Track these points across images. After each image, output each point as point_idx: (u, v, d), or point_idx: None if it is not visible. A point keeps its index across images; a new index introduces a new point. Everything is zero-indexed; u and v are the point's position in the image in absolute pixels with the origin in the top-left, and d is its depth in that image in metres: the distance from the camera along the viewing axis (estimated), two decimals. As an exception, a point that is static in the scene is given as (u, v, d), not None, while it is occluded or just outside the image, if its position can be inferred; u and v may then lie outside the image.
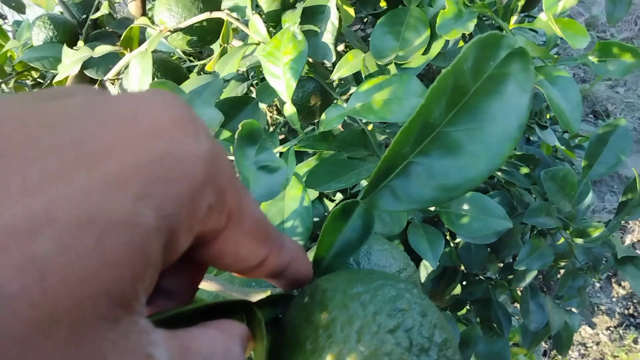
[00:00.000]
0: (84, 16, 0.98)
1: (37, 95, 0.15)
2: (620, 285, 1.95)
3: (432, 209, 0.66)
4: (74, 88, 0.16)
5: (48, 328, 0.12)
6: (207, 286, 0.29)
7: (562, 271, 1.27)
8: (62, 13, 0.99)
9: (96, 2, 0.95)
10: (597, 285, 1.95)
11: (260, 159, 0.39)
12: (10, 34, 1.56)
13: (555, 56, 0.60)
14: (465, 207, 0.60)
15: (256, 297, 0.28)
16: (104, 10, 0.90)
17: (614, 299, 1.92)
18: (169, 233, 0.15)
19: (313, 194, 0.64)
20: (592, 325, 1.86)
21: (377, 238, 0.33)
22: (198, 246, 0.18)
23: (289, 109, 0.54)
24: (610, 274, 1.98)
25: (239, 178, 0.18)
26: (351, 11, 0.79)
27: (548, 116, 1.79)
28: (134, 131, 0.14)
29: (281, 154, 0.57)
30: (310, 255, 0.28)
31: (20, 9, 1.25)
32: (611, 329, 1.84)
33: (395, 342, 0.19)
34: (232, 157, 0.41)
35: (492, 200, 0.60)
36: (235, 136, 0.35)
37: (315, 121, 0.72)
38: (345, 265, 0.32)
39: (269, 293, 0.27)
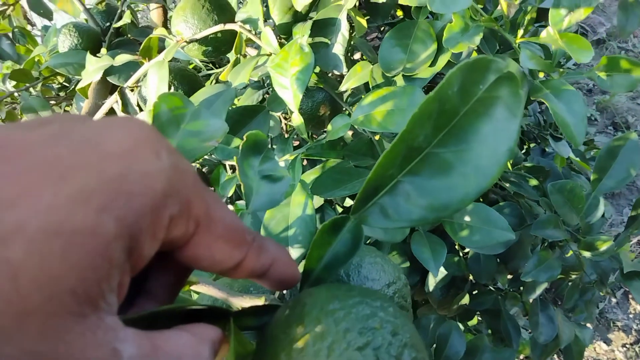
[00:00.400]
0: (108, 24, 1.02)
1: (24, 124, 0.18)
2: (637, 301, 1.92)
3: (437, 218, 0.67)
4: (55, 117, 0.19)
5: (21, 320, 0.14)
6: (205, 290, 0.31)
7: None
8: (86, 21, 1.03)
9: (119, 11, 0.99)
10: (614, 300, 1.92)
11: (264, 168, 0.40)
12: (38, 39, 1.62)
13: (561, 70, 0.61)
14: (468, 218, 0.61)
15: (249, 302, 0.29)
16: (126, 19, 0.93)
17: (630, 315, 1.89)
18: (131, 240, 0.17)
19: (320, 200, 0.66)
20: (608, 342, 1.83)
21: (369, 250, 0.34)
22: (174, 250, 0.20)
23: (297, 119, 0.56)
24: (627, 289, 1.94)
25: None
26: (363, 22, 0.81)
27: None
28: (98, 153, 0.17)
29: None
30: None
31: (48, 15, 1.30)
32: (627, 346, 1.81)
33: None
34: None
35: (495, 212, 0.61)
36: (240, 147, 0.37)
37: (325, 130, 0.74)
38: (335, 276, 0.33)
39: (263, 299, 0.29)
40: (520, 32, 0.61)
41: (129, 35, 1.03)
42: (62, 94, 1.37)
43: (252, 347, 0.26)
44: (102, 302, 0.16)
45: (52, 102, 1.34)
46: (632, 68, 0.59)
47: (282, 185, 0.39)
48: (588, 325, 1.12)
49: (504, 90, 0.26)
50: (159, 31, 0.66)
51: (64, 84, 1.36)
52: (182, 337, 0.19)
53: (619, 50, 2.92)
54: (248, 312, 0.27)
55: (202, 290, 0.31)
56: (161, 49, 0.83)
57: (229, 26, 0.61)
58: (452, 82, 0.25)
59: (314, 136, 0.81)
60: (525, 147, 1.40)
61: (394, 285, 0.32)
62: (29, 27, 1.51)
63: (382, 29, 1.13)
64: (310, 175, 0.64)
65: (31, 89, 1.17)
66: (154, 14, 1.21)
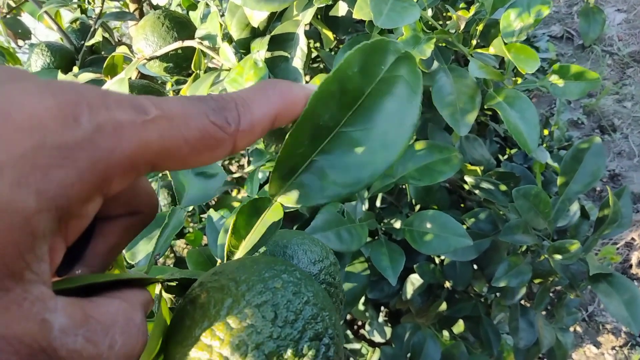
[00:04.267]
0: (82, 42, 1.03)
1: None
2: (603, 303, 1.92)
3: (398, 226, 0.68)
4: None
5: None
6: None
7: (557, 288, 1.26)
8: (61, 40, 1.04)
9: (92, 29, 1.00)
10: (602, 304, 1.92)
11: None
12: (25, 56, 1.63)
13: (514, 79, 0.62)
14: (428, 225, 0.62)
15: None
16: (98, 37, 0.94)
17: (619, 317, 1.89)
18: (59, 210, 0.16)
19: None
20: (597, 345, 1.83)
21: (297, 233, 0.36)
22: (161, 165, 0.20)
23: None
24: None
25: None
26: (330, 35, 0.82)
27: (546, 132, 1.79)
28: (8, 125, 0.16)
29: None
30: None
31: (26, 35, 1.31)
32: (616, 348, 1.81)
33: (261, 315, 0.22)
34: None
35: (452, 219, 0.61)
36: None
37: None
38: None
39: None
40: (474, 42, 0.63)
41: (103, 53, 1.04)
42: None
43: None
44: (29, 273, 0.16)
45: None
46: (581, 74, 0.60)
47: (216, 181, 0.41)
48: (572, 329, 1.12)
49: (404, 69, 0.28)
50: (121, 49, 0.67)
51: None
52: (114, 304, 0.19)
53: (603, 54, 2.94)
54: (176, 280, 0.29)
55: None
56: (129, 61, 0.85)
57: (188, 43, 0.62)
58: (352, 62, 0.27)
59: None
60: (507, 152, 1.41)
61: (319, 264, 0.34)
62: (14, 45, 1.52)
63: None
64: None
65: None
66: (133, 30, 1.22)
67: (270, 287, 0.23)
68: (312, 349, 0.22)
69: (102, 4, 1.07)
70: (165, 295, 0.31)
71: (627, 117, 2.61)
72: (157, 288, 0.32)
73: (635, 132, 2.54)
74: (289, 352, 0.22)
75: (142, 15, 1.23)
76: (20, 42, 1.44)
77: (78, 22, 1.05)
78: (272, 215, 0.30)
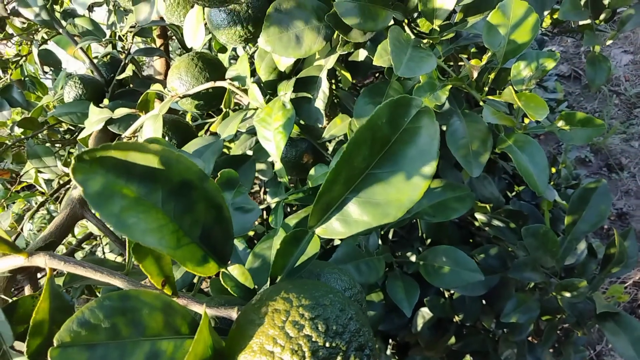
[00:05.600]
0: (112, 75, 1.09)
1: None
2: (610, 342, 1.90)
3: (413, 259, 0.71)
4: None
5: None
6: (185, 304, 0.35)
7: (565, 326, 1.27)
8: (91, 72, 1.10)
9: (122, 64, 1.06)
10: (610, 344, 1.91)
11: (237, 201, 0.47)
12: (49, 82, 1.71)
13: (523, 124, 0.66)
14: (442, 259, 0.65)
15: (224, 313, 0.35)
16: (129, 71, 1.00)
17: (628, 357, 1.87)
18: None
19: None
20: (606, 384, 1.81)
21: (328, 264, 0.41)
22: None
23: (278, 165, 0.61)
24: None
25: None
26: (349, 76, 0.87)
27: (554, 170, 1.82)
28: None
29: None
30: None
31: (57, 65, 1.38)
32: (626, 388, 1.79)
33: (315, 327, 0.27)
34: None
35: (464, 254, 0.64)
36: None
37: (309, 177, 0.79)
38: None
39: (236, 310, 0.34)
40: (486, 89, 0.67)
41: (131, 86, 1.10)
42: (67, 136, 1.44)
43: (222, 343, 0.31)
44: None
45: (58, 145, 1.41)
46: (587, 121, 0.64)
47: (253, 215, 0.46)
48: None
49: (424, 120, 0.33)
50: (156, 87, 0.72)
51: (70, 127, 1.42)
52: None
53: (610, 93, 2.99)
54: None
55: (182, 304, 0.35)
56: (160, 97, 0.90)
57: (219, 83, 0.67)
58: (382, 115, 0.32)
59: (301, 182, 0.85)
60: (515, 189, 1.43)
61: (349, 291, 0.39)
62: (41, 73, 1.60)
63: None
64: (293, 220, 0.68)
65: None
66: (158, 63, 1.29)
67: (321, 304, 0.28)
68: (357, 357, 0.26)
69: (132, 40, 1.14)
70: (210, 312, 0.34)
71: (634, 156, 2.64)
72: (201, 308, 0.35)
73: (642, 171, 2.56)
74: (339, 359, 0.26)
75: (167, 50, 1.30)
76: (46, 69, 1.52)
77: (109, 57, 1.10)
78: (311, 246, 0.34)
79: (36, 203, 1.36)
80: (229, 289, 0.35)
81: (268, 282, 0.36)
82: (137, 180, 0.30)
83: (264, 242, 0.60)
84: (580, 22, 1.00)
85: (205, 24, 0.67)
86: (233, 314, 0.35)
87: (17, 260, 0.37)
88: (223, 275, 0.35)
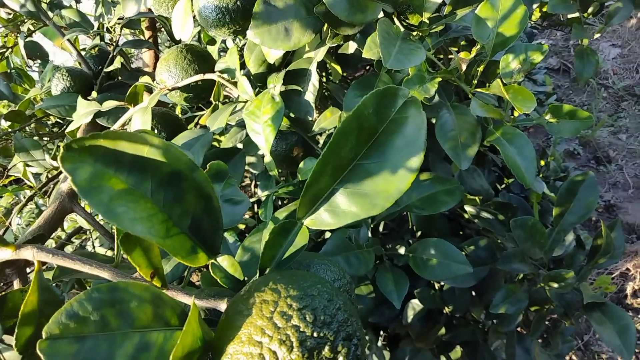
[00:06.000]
0: (100, 67, 1.08)
1: None
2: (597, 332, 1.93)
3: (402, 252, 0.71)
4: None
5: None
6: (174, 296, 0.35)
7: (553, 317, 1.29)
8: (79, 64, 1.09)
9: (110, 56, 1.05)
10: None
11: (226, 193, 0.46)
12: (36, 75, 1.68)
13: (512, 116, 0.66)
14: (431, 252, 0.66)
15: (213, 304, 0.35)
16: (117, 64, 0.99)
17: (615, 347, 1.90)
18: None
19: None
20: (593, 373, 1.84)
21: (317, 255, 0.41)
22: None
23: (267, 158, 0.61)
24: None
25: None
26: (339, 69, 0.87)
27: (543, 163, 1.83)
28: None
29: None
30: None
31: (44, 57, 1.36)
32: (612, 377, 1.82)
33: (303, 317, 0.27)
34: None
35: (453, 246, 0.65)
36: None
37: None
38: None
39: (225, 301, 0.34)
40: (475, 82, 0.67)
41: (120, 78, 1.09)
42: (55, 130, 1.42)
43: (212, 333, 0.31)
44: None
45: (46, 138, 1.39)
46: (574, 113, 0.64)
47: (242, 207, 0.46)
48: (568, 358, 1.14)
49: (411, 110, 0.33)
50: (144, 79, 0.71)
51: (59, 120, 1.41)
52: None
53: (599, 87, 3.02)
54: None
55: (172, 295, 0.35)
56: (149, 90, 0.89)
57: (208, 76, 0.67)
58: (368, 104, 0.32)
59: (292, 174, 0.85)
60: (504, 182, 1.44)
61: (338, 281, 0.39)
62: (27, 65, 1.58)
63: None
64: (283, 213, 0.69)
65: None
66: (146, 55, 1.27)
67: (309, 294, 0.28)
68: (345, 347, 0.27)
69: (121, 31, 1.12)
70: (199, 304, 0.34)
71: (622, 149, 2.67)
72: (190, 300, 0.35)
73: (629, 163, 2.59)
74: (327, 348, 0.26)
75: (156, 42, 1.29)
76: (30, 62, 1.50)
77: (97, 49, 1.09)
78: (300, 238, 0.34)
79: (24, 197, 1.35)
80: (218, 280, 0.36)
81: (257, 274, 0.36)
82: (126, 170, 0.30)
83: (254, 235, 0.60)
84: (569, 16, 1.00)
85: (194, 16, 0.66)
86: (222, 305, 0.35)
87: (5, 254, 0.37)
88: (212, 266, 0.35)
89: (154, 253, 0.34)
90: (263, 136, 0.60)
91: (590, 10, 0.91)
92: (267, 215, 0.60)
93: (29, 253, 0.37)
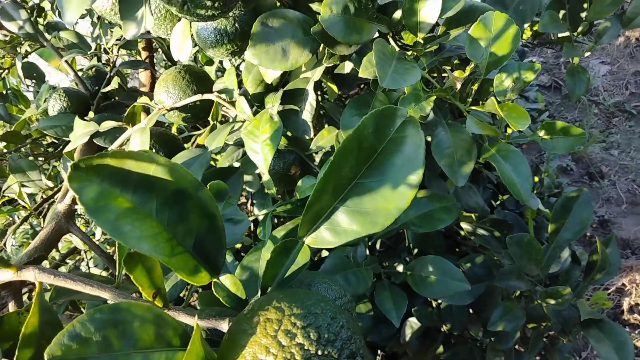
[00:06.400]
0: (97, 87, 1.09)
1: None
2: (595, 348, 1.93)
3: (400, 269, 0.72)
4: None
5: None
6: (176, 316, 0.35)
7: (550, 333, 1.28)
8: (76, 85, 1.09)
9: (108, 76, 1.06)
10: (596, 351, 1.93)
11: (226, 213, 0.47)
12: (30, 95, 1.69)
13: (507, 133, 0.67)
14: (429, 269, 0.66)
15: (214, 324, 0.35)
16: (114, 84, 1.00)
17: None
18: None
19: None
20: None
21: (318, 274, 0.41)
22: None
23: (265, 177, 0.61)
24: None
25: None
26: (334, 88, 0.88)
27: (537, 179, 1.85)
28: None
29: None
30: None
31: (41, 78, 1.37)
32: (611, 394, 1.80)
33: (307, 335, 0.27)
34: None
35: (451, 264, 0.65)
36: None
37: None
38: None
39: (227, 321, 0.34)
40: (469, 100, 0.68)
41: (117, 98, 1.09)
42: (50, 149, 1.42)
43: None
44: None
45: (41, 158, 1.39)
46: (568, 130, 0.65)
47: (242, 227, 0.46)
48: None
49: (409, 130, 0.34)
50: (143, 100, 0.72)
51: (54, 140, 1.41)
52: None
53: (590, 103, 3.06)
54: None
55: (173, 315, 0.35)
56: (146, 110, 0.90)
57: (207, 96, 0.68)
58: (367, 124, 0.33)
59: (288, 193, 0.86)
60: (499, 198, 1.45)
61: (339, 300, 0.39)
62: (23, 85, 1.58)
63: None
64: (281, 231, 0.69)
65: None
66: (143, 75, 1.29)
67: (313, 312, 0.28)
68: None
69: (118, 52, 1.13)
70: (201, 324, 0.34)
71: (614, 164, 2.69)
72: (191, 320, 0.35)
73: (622, 179, 2.61)
74: None
75: (152, 62, 1.30)
76: (27, 81, 1.50)
77: (94, 69, 1.10)
78: (301, 256, 0.34)
79: (19, 217, 1.34)
80: (220, 299, 0.36)
81: (259, 293, 0.36)
82: (132, 189, 0.31)
83: (252, 254, 0.60)
84: (559, 34, 1.02)
85: (192, 37, 0.67)
86: (224, 325, 0.35)
87: (6, 275, 0.37)
88: (215, 285, 0.35)
89: (156, 273, 0.34)
90: (262, 155, 0.60)
91: (580, 29, 0.93)
92: (266, 234, 0.61)
93: (30, 274, 0.37)
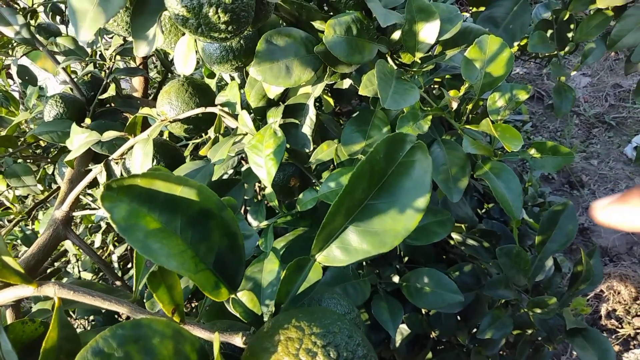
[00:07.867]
0: (92, 93, 1.09)
1: None
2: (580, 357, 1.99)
3: (396, 281, 0.74)
4: None
5: None
6: (191, 330, 0.37)
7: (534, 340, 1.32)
8: (72, 90, 1.10)
9: (104, 83, 1.06)
10: (575, 354, 1.99)
11: None
12: (16, 93, 1.67)
13: (500, 152, 0.70)
14: (424, 281, 0.68)
15: (229, 339, 0.36)
16: (111, 91, 1.00)
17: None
18: None
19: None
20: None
21: (328, 290, 0.43)
22: None
23: (269, 190, 0.63)
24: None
25: None
26: (331, 101, 0.90)
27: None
28: None
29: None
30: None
31: (33, 82, 1.36)
32: (589, 398, 1.86)
33: (327, 353, 0.29)
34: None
35: (445, 276, 0.68)
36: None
37: (295, 199, 0.81)
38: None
39: (240, 335, 0.36)
40: (464, 119, 0.71)
41: (112, 104, 1.10)
42: (38, 151, 1.41)
43: None
44: None
45: (29, 160, 1.38)
46: (557, 149, 0.68)
47: (251, 242, 0.48)
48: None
49: (417, 155, 0.36)
50: (145, 111, 0.73)
51: (48, 145, 1.40)
52: None
53: (571, 114, 3.14)
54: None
55: (190, 330, 0.36)
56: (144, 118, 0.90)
57: (210, 109, 0.69)
58: (379, 150, 0.35)
59: (284, 203, 0.87)
60: (484, 207, 1.49)
61: (349, 315, 0.41)
62: (13, 86, 1.57)
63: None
64: (281, 242, 0.70)
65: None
66: (136, 81, 1.29)
67: (331, 331, 0.30)
68: None
69: (114, 59, 1.14)
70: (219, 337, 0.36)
71: (594, 174, 2.77)
72: (206, 334, 0.37)
73: (601, 188, 2.69)
74: None
75: (146, 68, 1.30)
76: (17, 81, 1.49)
77: (89, 75, 1.10)
78: (314, 273, 0.36)
79: (8, 221, 1.33)
80: (237, 315, 0.37)
81: (273, 308, 0.38)
82: (158, 209, 0.32)
83: (255, 265, 0.62)
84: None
85: (197, 51, 0.69)
86: (237, 339, 0.36)
87: (27, 291, 0.38)
88: (233, 301, 0.37)
89: (176, 290, 0.36)
90: (265, 169, 0.62)
91: (567, 49, 0.97)
92: (268, 245, 0.62)
93: (50, 290, 0.38)
